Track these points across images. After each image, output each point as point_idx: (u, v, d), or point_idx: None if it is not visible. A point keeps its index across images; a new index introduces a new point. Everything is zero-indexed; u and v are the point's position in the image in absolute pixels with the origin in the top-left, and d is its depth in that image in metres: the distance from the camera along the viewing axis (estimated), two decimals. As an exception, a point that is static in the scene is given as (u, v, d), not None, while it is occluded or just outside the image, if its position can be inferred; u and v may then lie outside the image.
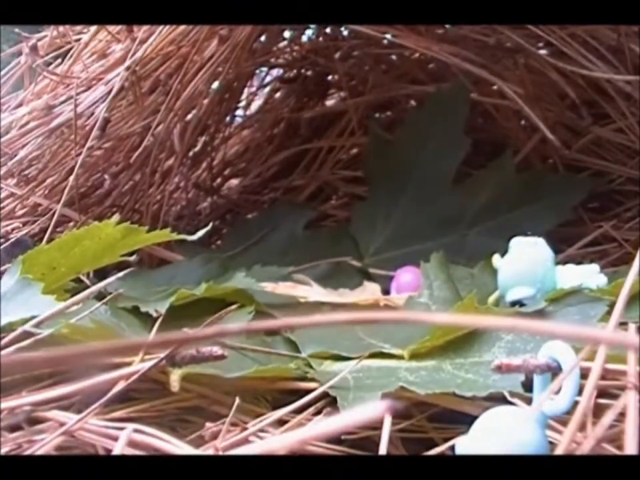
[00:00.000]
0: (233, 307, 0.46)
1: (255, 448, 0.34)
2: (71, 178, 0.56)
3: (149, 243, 0.48)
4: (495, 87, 0.67)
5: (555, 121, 0.66)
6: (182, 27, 0.59)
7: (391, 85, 0.73)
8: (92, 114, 0.58)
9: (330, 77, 0.77)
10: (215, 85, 0.66)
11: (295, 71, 0.77)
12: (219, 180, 0.78)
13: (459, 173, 0.64)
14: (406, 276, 0.54)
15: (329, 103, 0.79)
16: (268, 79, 0.80)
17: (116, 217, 0.53)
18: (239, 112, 0.80)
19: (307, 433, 0.22)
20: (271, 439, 0.35)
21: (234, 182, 0.80)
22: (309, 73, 0.77)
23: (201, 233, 0.47)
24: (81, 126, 0.58)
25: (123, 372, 0.35)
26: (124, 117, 0.61)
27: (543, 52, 0.66)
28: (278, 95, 0.80)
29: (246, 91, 0.78)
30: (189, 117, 0.66)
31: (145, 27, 0.57)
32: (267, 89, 0.80)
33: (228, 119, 0.76)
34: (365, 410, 0.19)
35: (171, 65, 0.61)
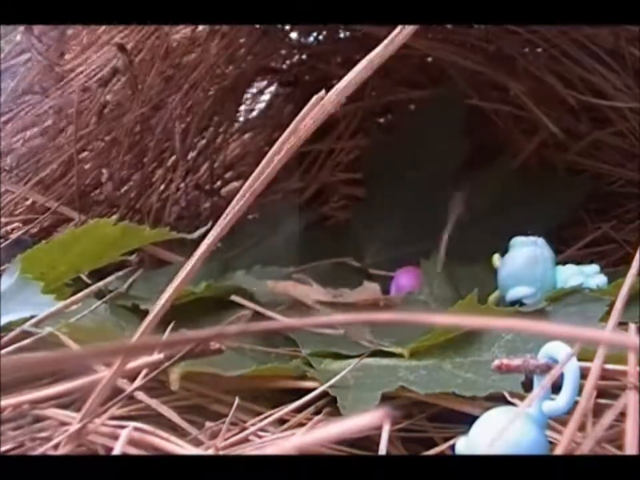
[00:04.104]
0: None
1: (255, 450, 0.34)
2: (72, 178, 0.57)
3: (149, 241, 0.48)
4: (494, 92, 0.68)
5: (554, 124, 0.66)
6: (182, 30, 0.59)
7: (390, 88, 0.73)
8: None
9: (330, 81, 0.77)
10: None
11: (294, 75, 0.77)
12: (219, 182, 0.78)
13: (459, 174, 0.64)
14: (405, 276, 0.54)
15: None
16: (268, 82, 0.80)
17: (115, 217, 0.52)
18: (240, 115, 0.80)
19: (305, 439, 0.22)
20: (269, 446, 0.35)
21: (235, 184, 0.80)
22: (309, 77, 0.77)
23: (200, 232, 0.47)
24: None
25: (124, 372, 0.35)
26: (124, 119, 0.61)
27: (542, 57, 0.66)
28: (278, 99, 0.80)
29: (247, 94, 0.78)
30: (190, 119, 0.66)
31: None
32: (268, 93, 0.80)
33: (229, 122, 0.77)
34: (364, 418, 0.19)
35: (172, 67, 0.61)
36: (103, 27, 0.61)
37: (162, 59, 0.60)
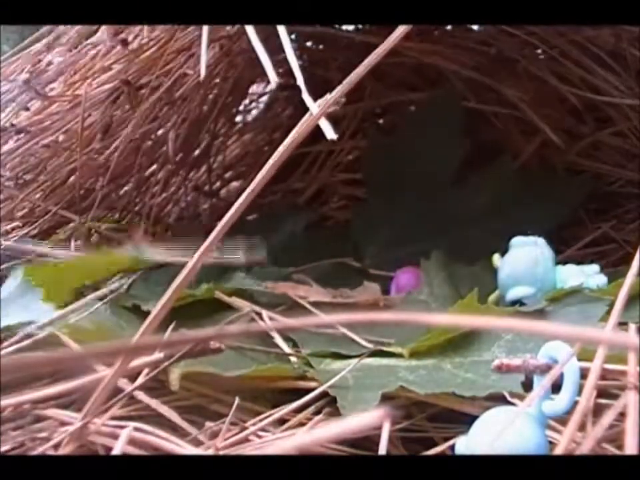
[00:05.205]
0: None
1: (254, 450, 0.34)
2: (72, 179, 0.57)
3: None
4: (494, 93, 0.68)
5: (555, 126, 0.66)
6: (183, 33, 0.59)
7: (388, 91, 0.73)
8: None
9: (329, 85, 0.77)
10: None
11: (294, 79, 0.77)
12: (218, 183, 0.79)
13: (459, 174, 0.64)
14: (405, 276, 0.54)
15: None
16: (268, 85, 0.80)
17: (115, 218, 0.53)
18: (239, 117, 0.80)
19: (304, 439, 0.22)
20: (269, 446, 0.35)
21: (234, 184, 0.80)
22: (308, 81, 0.77)
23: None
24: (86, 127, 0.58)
25: (124, 372, 0.35)
26: (124, 120, 0.61)
27: (542, 58, 0.66)
28: (277, 101, 0.80)
29: (246, 96, 0.78)
30: (189, 121, 0.66)
31: (141, 32, 0.57)
32: (267, 96, 0.80)
33: (228, 124, 0.77)
34: (364, 418, 0.19)
35: (172, 70, 0.61)
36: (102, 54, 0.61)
37: (159, 77, 0.60)
